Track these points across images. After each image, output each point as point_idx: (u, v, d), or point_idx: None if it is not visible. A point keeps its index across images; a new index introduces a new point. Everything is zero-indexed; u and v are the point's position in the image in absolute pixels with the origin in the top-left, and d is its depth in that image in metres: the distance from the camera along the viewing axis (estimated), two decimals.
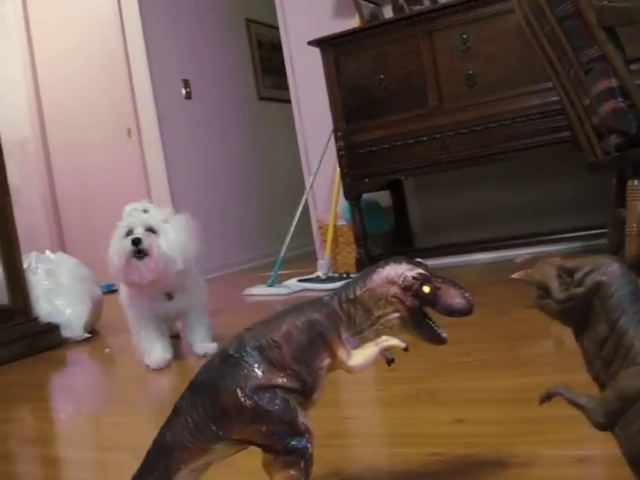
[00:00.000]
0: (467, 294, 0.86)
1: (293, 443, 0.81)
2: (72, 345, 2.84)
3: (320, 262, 3.84)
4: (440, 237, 3.61)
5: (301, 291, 3.41)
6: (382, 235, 3.57)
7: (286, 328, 0.84)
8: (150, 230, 1.97)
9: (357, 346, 0.86)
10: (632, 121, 1.74)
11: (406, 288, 0.84)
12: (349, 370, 0.86)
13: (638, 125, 1.75)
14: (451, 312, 0.85)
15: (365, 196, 3.35)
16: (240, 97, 5.66)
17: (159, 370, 2.05)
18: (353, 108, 3.16)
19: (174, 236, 2.01)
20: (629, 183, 1.83)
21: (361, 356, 0.85)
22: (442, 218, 3.63)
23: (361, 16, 3.35)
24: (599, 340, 0.64)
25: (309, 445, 0.82)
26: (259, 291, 3.59)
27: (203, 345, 2.13)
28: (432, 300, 0.85)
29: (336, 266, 3.66)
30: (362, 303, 0.86)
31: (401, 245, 3.62)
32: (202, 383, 0.84)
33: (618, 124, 1.76)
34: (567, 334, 0.73)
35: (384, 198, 3.65)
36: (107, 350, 2.61)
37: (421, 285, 0.84)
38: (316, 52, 3.31)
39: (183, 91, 4.98)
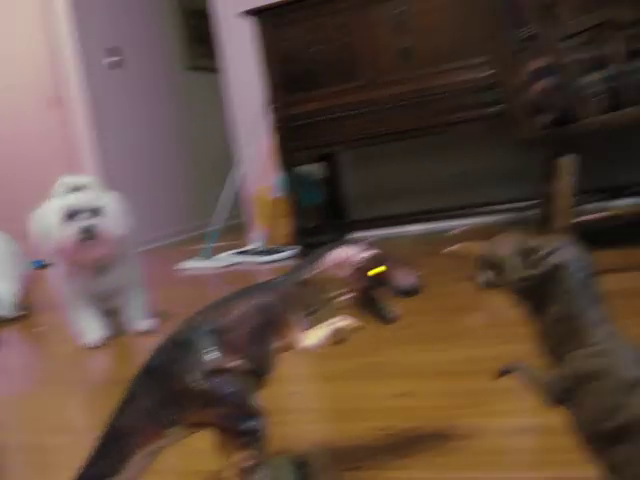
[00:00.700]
0: (417, 274, 0.88)
1: (247, 424, 0.81)
2: (3, 324, 2.75)
3: (253, 234, 3.84)
4: (374, 209, 3.65)
5: (236, 264, 3.40)
6: (316, 207, 3.59)
7: (239, 311, 0.84)
8: (94, 211, 1.92)
9: (310, 327, 0.87)
10: (562, 100, 1.80)
11: (358, 269, 0.86)
12: (302, 351, 0.87)
13: (568, 104, 1.80)
14: (401, 292, 0.87)
15: (299, 168, 3.35)
16: (168, 66, 5.54)
17: (96, 348, 2.02)
18: (288, 80, 3.14)
19: (116, 212, 1.97)
20: (559, 160, 1.89)
21: (315, 337, 0.86)
22: (376, 190, 3.67)
23: None
24: (552, 321, 0.66)
25: (262, 426, 0.83)
26: (193, 264, 3.56)
27: (142, 322, 2.11)
28: (383, 281, 0.86)
29: (270, 238, 3.66)
30: (314, 284, 0.87)
31: (335, 217, 3.65)
32: (155, 367, 0.83)
33: (549, 102, 1.81)
34: (500, 306, 0.77)
35: (317, 170, 3.66)
36: (40, 328, 2.54)
37: (373, 266, 0.86)
38: (247, 22, 3.27)
39: (109, 59, 4.83)
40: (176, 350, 0.83)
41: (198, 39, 5.94)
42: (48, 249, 1.95)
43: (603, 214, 1.97)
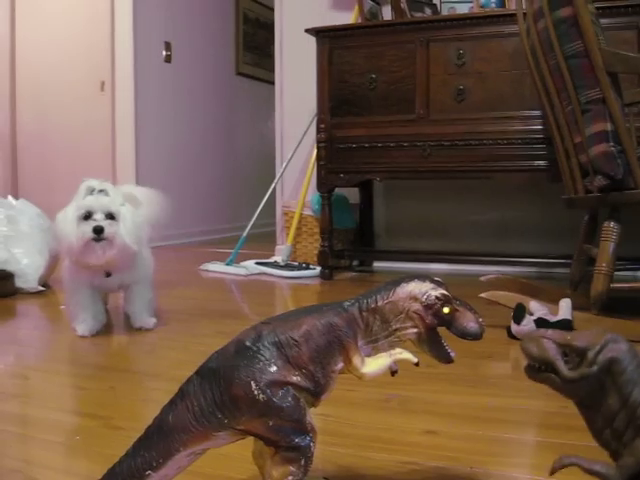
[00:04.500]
0: (481, 319, 0.89)
1: (297, 440, 0.82)
2: (24, 296, 2.78)
3: (280, 247, 3.86)
4: (401, 241, 3.66)
5: (259, 274, 3.42)
6: (346, 231, 3.60)
7: (306, 328, 0.85)
8: (110, 215, 1.95)
9: (369, 354, 0.89)
10: (620, 166, 1.81)
11: (428, 306, 0.87)
12: (360, 377, 0.88)
13: (624, 171, 1.82)
14: (465, 335, 0.88)
15: (336, 190, 3.37)
16: (218, 69, 5.60)
17: (87, 337, 2.06)
18: (340, 102, 3.17)
19: (131, 221, 1.99)
20: (605, 224, 1.90)
21: (375, 365, 0.88)
22: (405, 223, 3.68)
23: (361, 11, 3.36)
24: (610, 412, 0.68)
25: (312, 444, 0.84)
26: (216, 268, 3.58)
27: (140, 319, 2.16)
28: (449, 321, 0.88)
29: (295, 254, 3.68)
30: (382, 314, 0.88)
31: (363, 244, 3.66)
32: (214, 370, 0.84)
33: (606, 167, 1.82)
34: (524, 359, 0.79)
35: (352, 194, 3.68)
36: (63, 307, 2.56)
37: (442, 305, 0.87)
38: (308, 39, 3.31)
39: (163, 53, 4.90)
40: (238, 356, 0.84)
41: (251, 47, 6.01)
42: (62, 246, 1.99)
43: None
